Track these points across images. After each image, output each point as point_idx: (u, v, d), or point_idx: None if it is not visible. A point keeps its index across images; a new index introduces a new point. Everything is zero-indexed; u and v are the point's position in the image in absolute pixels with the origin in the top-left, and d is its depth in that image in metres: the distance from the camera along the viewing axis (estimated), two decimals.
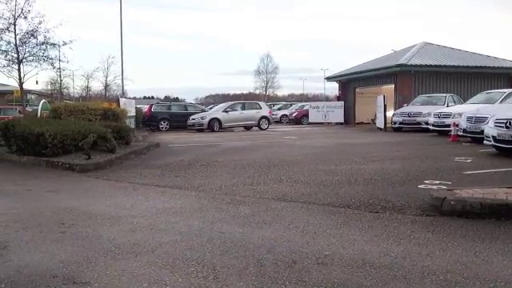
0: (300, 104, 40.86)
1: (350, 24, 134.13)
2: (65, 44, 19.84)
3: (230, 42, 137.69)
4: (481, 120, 12.05)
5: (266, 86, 72.76)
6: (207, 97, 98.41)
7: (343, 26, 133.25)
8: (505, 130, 9.49)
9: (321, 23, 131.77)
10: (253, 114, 24.99)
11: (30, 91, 41.09)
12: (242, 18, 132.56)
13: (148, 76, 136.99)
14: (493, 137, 9.84)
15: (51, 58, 19.57)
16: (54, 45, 19.49)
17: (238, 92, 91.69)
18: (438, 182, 6.91)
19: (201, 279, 3.32)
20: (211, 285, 3.22)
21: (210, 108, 30.10)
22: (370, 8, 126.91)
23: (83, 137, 9.87)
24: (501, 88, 21.46)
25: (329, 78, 34.90)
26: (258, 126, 24.75)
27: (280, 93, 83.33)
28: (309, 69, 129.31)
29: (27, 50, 18.65)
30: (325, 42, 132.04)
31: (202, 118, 23.60)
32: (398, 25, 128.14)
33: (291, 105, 42.67)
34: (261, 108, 25.98)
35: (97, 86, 61.25)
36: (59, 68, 24.30)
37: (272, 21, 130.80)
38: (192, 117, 23.99)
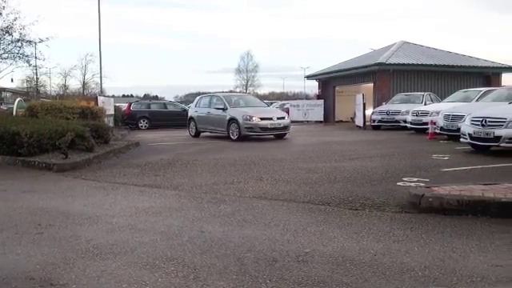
0: (280, 102, 40.89)
1: (333, 23, 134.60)
2: (41, 41, 19.66)
3: (213, 40, 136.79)
4: (457, 118, 12.24)
5: (247, 85, 73.02)
6: (187, 95, 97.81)
7: (325, 25, 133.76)
8: (480, 127, 9.65)
9: (303, 23, 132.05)
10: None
11: (4, 89, 40.30)
12: (226, 16, 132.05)
13: (127, 74, 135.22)
14: (469, 134, 10.00)
15: (27, 56, 19.39)
16: (29, 42, 19.25)
17: (219, 90, 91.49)
18: (416, 179, 7.00)
19: (181, 279, 3.30)
20: (192, 284, 3.20)
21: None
22: (353, 7, 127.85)
23: (60, 136, 9.72)
24: (476, 86, 21.87)
25: (309, 77, 35.07)
26: None
27: (260, 91, 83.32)
28: (289, 67, 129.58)
29: (2, 47, 18.47)
30: (306, 41, 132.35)
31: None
32: (381, 24, 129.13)
33: (272, 103, 42.71)
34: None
35: (74, 84, 60.47)
36: (35, 66, 23.90)
37: (256, 19, 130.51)
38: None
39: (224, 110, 15.97)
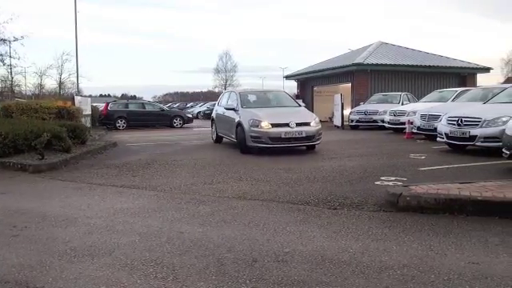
0: None
1: (311, 24, 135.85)
2: (16, 40, 19.30)
3: (192, 40, 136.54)
4: (434, 118, 12.45)
5: (225, 85, 72.73)
6: (165, 95, 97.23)
7: (304, 26, 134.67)
8: (457, 127, 9.82)
9: (282, 23, 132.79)
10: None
11: None
12: (204, 16, 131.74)
13: (105, 74, 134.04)
14: (445, 134, 10.17)
15: (1, 55, 18.97)
16: (4, 40, 18.86)
17: (198, 90, 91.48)
18: (393, 178, 7.08)
19: (160, 280, 3.27)
20: (171, 285, 3.17)
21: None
22: (331, 8, 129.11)
23: (36, 136, 9.54)
24: (452, 87, 22.29)
25: (288, 77, 35.21)
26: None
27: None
28: (268, 67, 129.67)
29: None
30: (285, 42, 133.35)
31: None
32: (359, 25, 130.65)
33: None
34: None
35: (50, 83, 59.53)
36: (10, 65, 23.42)
37: (234, 20, 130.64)
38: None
39: (235, 110, 12.00)
